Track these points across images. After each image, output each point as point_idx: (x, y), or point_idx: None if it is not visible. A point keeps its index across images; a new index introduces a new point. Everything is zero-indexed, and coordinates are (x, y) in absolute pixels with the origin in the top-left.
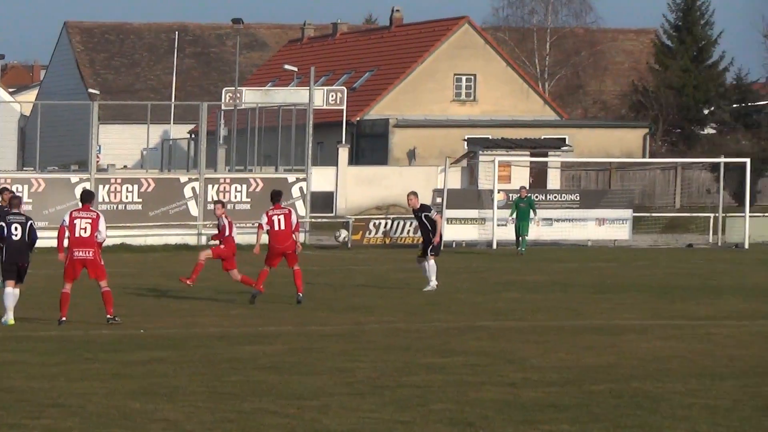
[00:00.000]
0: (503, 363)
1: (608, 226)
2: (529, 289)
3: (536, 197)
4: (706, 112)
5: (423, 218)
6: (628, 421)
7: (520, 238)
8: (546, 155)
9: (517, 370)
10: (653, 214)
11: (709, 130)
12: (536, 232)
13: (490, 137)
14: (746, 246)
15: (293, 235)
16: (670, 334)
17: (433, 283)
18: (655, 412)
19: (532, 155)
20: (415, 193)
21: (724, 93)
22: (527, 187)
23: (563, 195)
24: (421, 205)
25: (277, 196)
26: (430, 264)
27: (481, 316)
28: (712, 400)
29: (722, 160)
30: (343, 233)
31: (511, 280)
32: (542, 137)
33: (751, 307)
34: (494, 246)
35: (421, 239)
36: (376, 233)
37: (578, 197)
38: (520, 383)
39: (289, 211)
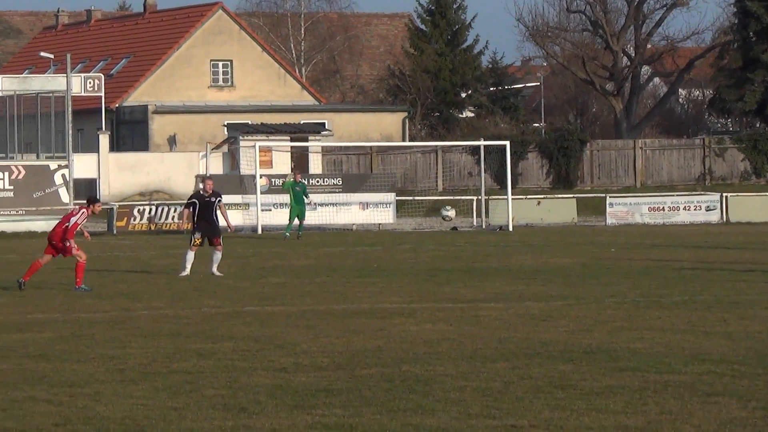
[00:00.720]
0: (273, 348)
1: (372, 210)
2: (296, 273)
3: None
4: (463, 95)
5: (216, 204)
6: (400, 404)
7: (298, 223)
8: (306, 140)
9: (288, 354)
10: (416, 198)
11: (467, 114)
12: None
13: (250, 122)
14: (510, 228)
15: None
16: (438, 317)
17: (187, 271)
18: (428, 395)
19: (292, 140)
20: (210, 177)
21: (480, 77)
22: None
23: (326, 179)
24: (214, 190)
25: None
26: (216, 255)
27: (248, 301)
28: (484, 382)
29: (482, 143)
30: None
31: (277, 265)
32: (301, 122)
33: (517, 288)
34: (259, 231)
35: (195, 225)
36: (141, 219)
37: (341, 182)
38: (291, 368)
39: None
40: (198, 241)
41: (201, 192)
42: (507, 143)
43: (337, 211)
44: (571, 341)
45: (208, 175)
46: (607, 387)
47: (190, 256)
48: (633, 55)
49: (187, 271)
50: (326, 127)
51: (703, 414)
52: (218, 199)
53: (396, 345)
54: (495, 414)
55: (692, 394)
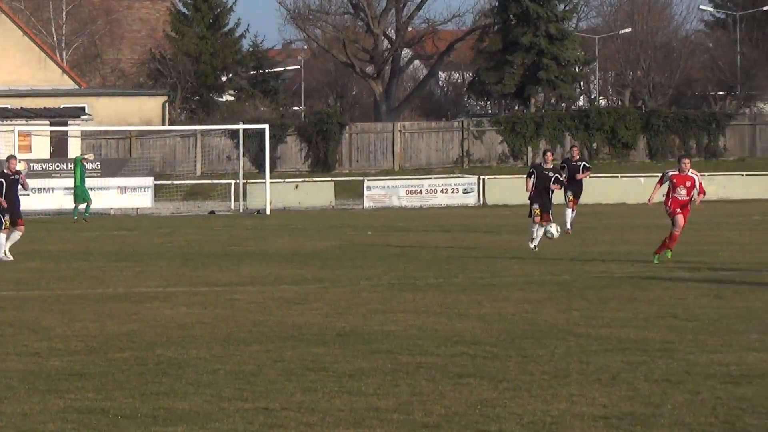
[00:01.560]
0: (28, 333)
1: (130, 195)
2: (52, 258)
3: (57, 166)
4: (224, 79)
5: (19, 181)
6: (153, 388)
7: (85, 204)
8: (66, 124)
9: (42, 339)
10: (174, 182)
11: (228, 97)
12: (60, 201)
13: (9, 107)
14: (268, 212)
15: None
16: (193, 301)
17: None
18: (180, 379)
19: (51, 124)
20: (14, 156)
21: (241, 60)
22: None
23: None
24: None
25: None
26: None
27: (3, 286)
28: (237, 365)
29: (241, 126)
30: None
31: (34, 249)
32: (61, 106)
33: (273, 272)
34: None
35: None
36: None
37: (99, 166)
38: (45, 353)
39: None
40: (8, 223)
41: (5, 171)
42: (266, 127)
43: (95, 195)
44: (325, 324)
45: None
46: (360, 369)
47: (2, 238)
48: (394, 38)
49: (9, 256)
50: (86, 111)
51: (453, 395)
52: (20, 175)
53: (150, 329)
54: (247, 397)
55: (444, 376)
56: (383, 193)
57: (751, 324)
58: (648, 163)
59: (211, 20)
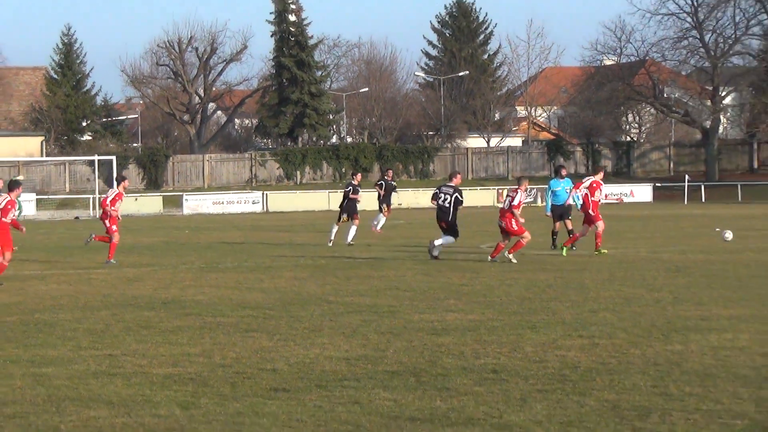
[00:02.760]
0: None
1: None
2: None
3: None
4: (84, 124)
5: None
6: (32, 341)
7: None
8: None
9: None
10: (50, 197)
11: (87, 137)
12: None
13: None
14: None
15: None
16: (62, 279)
17: None
18: (51, 334)
19: None
20: None
21: (96, 110)
22: None
23: None
24: None
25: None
26: None
27: None
28: (91, 324)
29: (96, 157)
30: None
31: None
32: None
33: (119, 259)
34: None
35: None
36: None
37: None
38: None
39: None
40: None
41: None
42: (113, 158)
43: None
44: (154, 295)
45: None
46: (177, 327)
47: None
48: (203, 95)
49: None
50: None
51: (242, 344)
52: None
53: (31, 300)
54: (98, 347)
55: (236, 331)
56: (196, 203)
57: (450, 293)
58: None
59: (74, 83)
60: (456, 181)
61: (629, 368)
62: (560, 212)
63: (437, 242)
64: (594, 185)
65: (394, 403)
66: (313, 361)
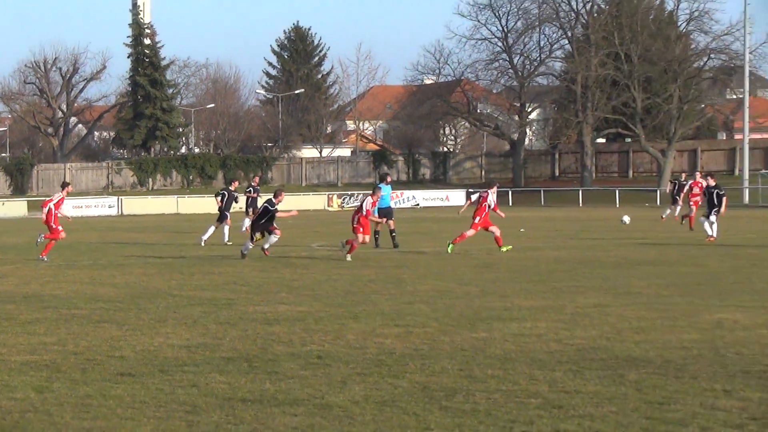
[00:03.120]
0: None
1: None
2: None
3: None
4: None
5: None
6: None
7: None
8: None
9: None
10: None
11: None
12: None
13: None
14: None
15: None
16: None
17: None
18: None
19: None
20: None
21: None
22: None
23: None
24: None
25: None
26: None
27: None
28: None
29: None
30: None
31: None
32: None
33: None
34: None
35: None
36: None
37: None
38: None
39: None
40: None
41: None
42: None
43: None
44: (15, 291)
45: None
46: (36, 318)
47: None
48: (65, 110)
49: None
50: None
51: (94, 334)
52: None
53: None
54: None
55: (88, 322)
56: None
57: (282, 287)
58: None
59: None
60: (278, 199)
61: (439, 354)
62: (385, 213)
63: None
64: (485, 197)
65: (228, 386)
66: (157, 348)
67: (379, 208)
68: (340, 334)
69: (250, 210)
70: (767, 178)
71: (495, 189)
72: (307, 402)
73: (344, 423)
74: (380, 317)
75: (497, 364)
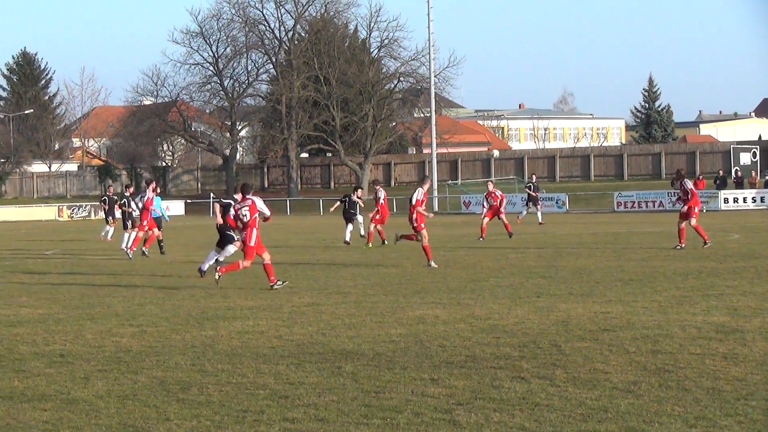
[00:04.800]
0: None
1: None
2: None
3: None
4: None
5: None
6: None
7: None
8: None
9: None
10: None
11: None
12: None
13: None
14: None
15: None
16: None
17: None
18: None
19: None
20: None
21: None
22: None
23: None
24: None
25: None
26: None
27: None
28: None
29: None
30: None
31: None
32: None
33: None
34: None
35: None
36: None
37: None
38: None
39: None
40: None
41: None
42: None
43: None
44: None
45: None
46: None
47: None
48: None
49: None
50: None
51: None
52: None
53: None
54: None
55: None
56: None
57: (22, 291)
58: None
59: None
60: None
61: (172, 350)
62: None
63: None
64: (424, 197)
65: None
66: None
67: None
68: (80, 334)
69: (110, 218)
70: (453, 188)
71: (427, 186)
72: (54, 397)
73: (91, 416)
74: (115, 318)
75: (226, 359)
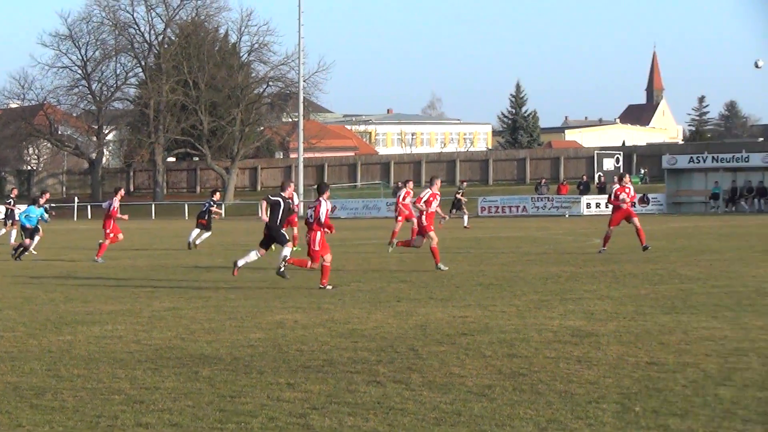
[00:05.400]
0: None
1: None
2: None
3: None
4: None
5: None
6: None
7: None
8: None
9: None
10: None
11: None
12: None
13: None
14: None
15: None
16: None
17: None
18: None
19: None
20: None
21: None
22: None
23: None
24: None
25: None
26: None
27: None
28: None
29: None
30: None
31: None
32: None
33: None
34: None
35: None
36: None
37: None
38: None
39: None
40: None
41: None
42: None
43: None
44: None
45: None
46: None
47: None
48: None
49: None
50: None
51: None
52: None
53: None
54: None
55: None
56: None
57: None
58: None
59: None
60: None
61: (27, 356)
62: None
63: None
64: (431, 198)
65: None
66: None
67: (23, 226)
68: None
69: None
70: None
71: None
72: None
73: None
74: None
75: (82, 364)
